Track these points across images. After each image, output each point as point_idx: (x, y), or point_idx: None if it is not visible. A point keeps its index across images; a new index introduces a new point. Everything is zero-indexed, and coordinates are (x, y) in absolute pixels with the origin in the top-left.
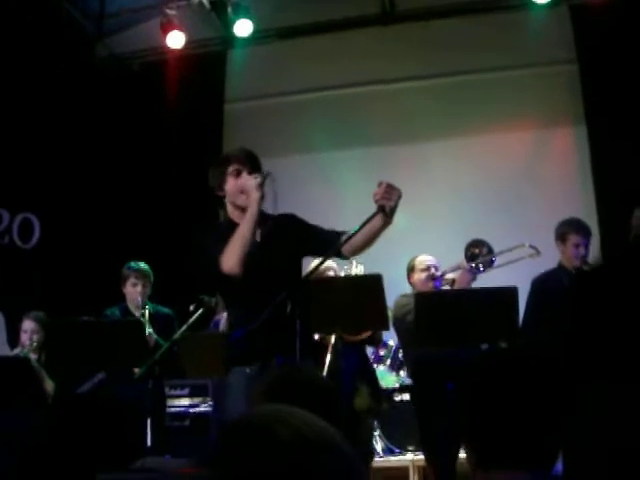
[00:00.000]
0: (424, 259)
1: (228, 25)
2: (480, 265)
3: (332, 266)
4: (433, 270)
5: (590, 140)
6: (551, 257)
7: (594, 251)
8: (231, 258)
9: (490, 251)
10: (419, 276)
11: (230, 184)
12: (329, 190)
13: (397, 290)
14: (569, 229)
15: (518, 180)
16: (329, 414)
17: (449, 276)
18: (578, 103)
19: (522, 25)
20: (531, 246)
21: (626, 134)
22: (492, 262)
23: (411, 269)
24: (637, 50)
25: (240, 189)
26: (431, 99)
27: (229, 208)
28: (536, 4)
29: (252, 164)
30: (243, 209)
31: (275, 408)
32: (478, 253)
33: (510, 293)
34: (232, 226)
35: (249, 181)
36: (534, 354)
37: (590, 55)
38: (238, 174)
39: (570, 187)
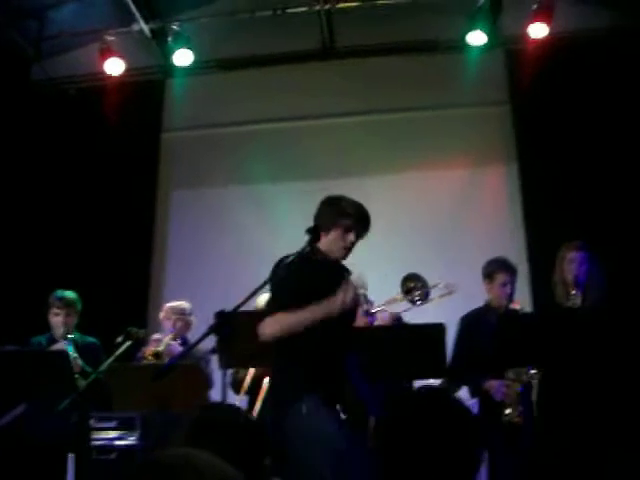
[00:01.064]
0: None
1: (168, 54)
2: (416, 299)
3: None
4: (366, 306)
5: (521, 178)
6: (484, 293)
7: (522, 289)
8: (276, 330)
9: (425, 285)
10: None
11: (337, 234)
12: (266, 223)
13: None
14: (496, 268)
15: (453, 216)
16: (251, 453)
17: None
18: (510, 142)
19: (459, 66)
20: (446, 285)
21: (555, 173)
22: (427, 295)
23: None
24: (565, 92)
25: (345, 247)
26: (369, 135)
27: (325, 241)
28: (472, 47)
29: (363, 229)
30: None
31: (184, 451)
32: (413, 287)
33: (438, 330)
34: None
35: (351, 290)
36: (448, 399)
37: (522, 97)
38: (347, 231)
39: (501, 223)
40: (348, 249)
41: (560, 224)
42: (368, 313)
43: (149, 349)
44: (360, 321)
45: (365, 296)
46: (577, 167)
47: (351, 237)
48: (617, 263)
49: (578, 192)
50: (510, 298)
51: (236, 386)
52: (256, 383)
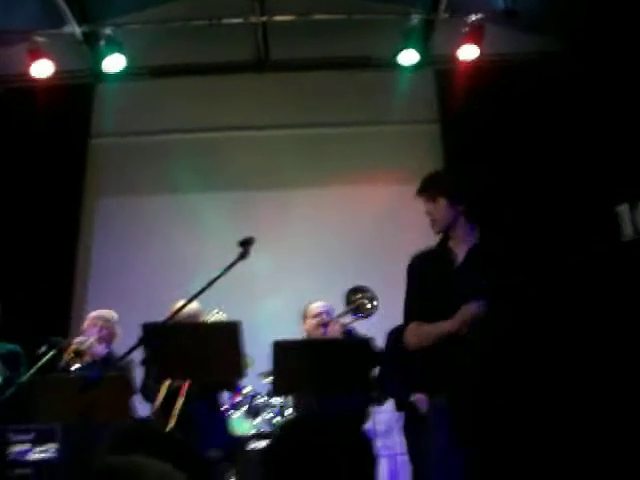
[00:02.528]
0: (316, 305)
1: (99, 58)
2: (360, 312)
3: (197, 312)
4: (324, 316)
5: None
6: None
7: None
8: (416, 342)
9: (373, 297)
10: (310, 322)
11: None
12: (192, 232)
13: (260, 334)
14: None
15: (379, 232)
16: (178, 465)
17: (341, 322)
18: (438, 160)
19: (391, 83)
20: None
21: (481, 191)
22: (374, 308)
23: (304, 316)
24: (493, 114)
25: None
26: (299, 148)
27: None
28: (404, 65)
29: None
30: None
31: (132, 459)
32: (360, 298)
33: (365, 344)
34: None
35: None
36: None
37: (451, 116)
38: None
39: (429, 241)
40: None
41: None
42: (324, 324)
43: (71, 346)
44: (316, 332)
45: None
46: (503, 187)
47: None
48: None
49: (502, 210)
50: None
51: (146, 392)
52: (170, 397)
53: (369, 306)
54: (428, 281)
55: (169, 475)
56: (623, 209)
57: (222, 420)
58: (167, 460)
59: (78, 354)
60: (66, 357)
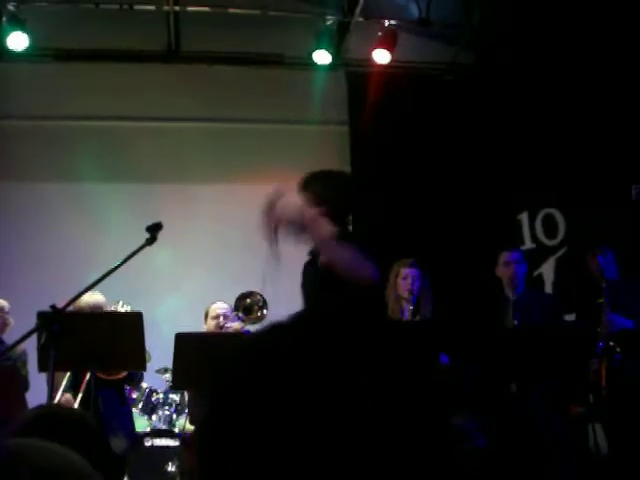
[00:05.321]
0: (216, 307)
1: (1, 36)
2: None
3: (101, 303)
4: (222, 319)
5: None
6: None
7: None
8: None
9: (263, 304)
10: (210, 323)
11: None
12: (93, 223)
13: (159, 330)
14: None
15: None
16: (89, 450)
17: (234, 325)
18: (346, 162)
19: (303, 83)
20: None
21: (386, 197)
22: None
23: (205, 315)
24: (402, 120)
25: None
26: (207, 142)
27: None
28: (317, 65)
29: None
30: None
31: (20, 442)
32: (249, 304)
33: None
34: None
35: None
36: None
37: (360, 119)
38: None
39: None
40: None
41: (387, 244)
42: (221, 327)
43: None
44: None
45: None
46: (406, 192)
47: None
48: (440, 281)
49: (405, 215)
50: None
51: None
52: (74, 386)
53: (259, 313)
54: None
55: (62, 456)
56: (523, 218)
57: (129, 413)
58: (76, 449)
59: None
60: None
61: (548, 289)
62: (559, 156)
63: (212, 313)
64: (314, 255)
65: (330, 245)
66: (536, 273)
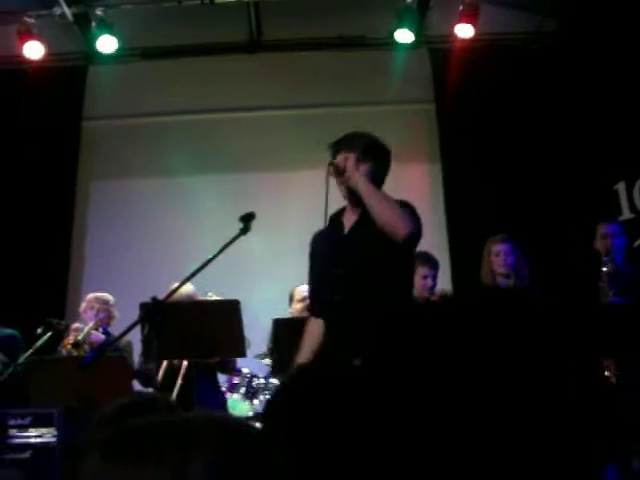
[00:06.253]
0: (302, 289)
1: (91, 40)
2: None
3: (192, 293)
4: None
5: (444, 177)
6: None
7: (444, 284)
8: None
9: None
10: (296, 306)
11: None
12: (186, 215)
13: (256, 317)
14: (416, 261)
15: None
16: None
17: None
18: (434, 141)
19: (385, 63)
20: None
21: (477, 172)
22: None
23: (290, 298)
24: (488, 93)
25: None
26: (293, 129)
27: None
28: (399, 44)
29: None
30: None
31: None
32: None
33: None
34: None
35: None
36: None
37: (446, 96)
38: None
39: (424, 221)
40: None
41: (481, 220)
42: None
43: (68, 338)
44: (301, 316)
45: None
46: (497, 166)
47: None
48: (536, 256)
49: (497, 190)
50: (431, 291)
51: (143, 377)
52: (169, 377)
53: None
54: (315, 255)
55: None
56: (620, 188)
57: (223, 402)
58: None
59: (76, 345)
60: (64, 350)
61: None
62: None
63: (298, 296)
64: (333, 220)
65: (372, 190)
66: (637, 244)
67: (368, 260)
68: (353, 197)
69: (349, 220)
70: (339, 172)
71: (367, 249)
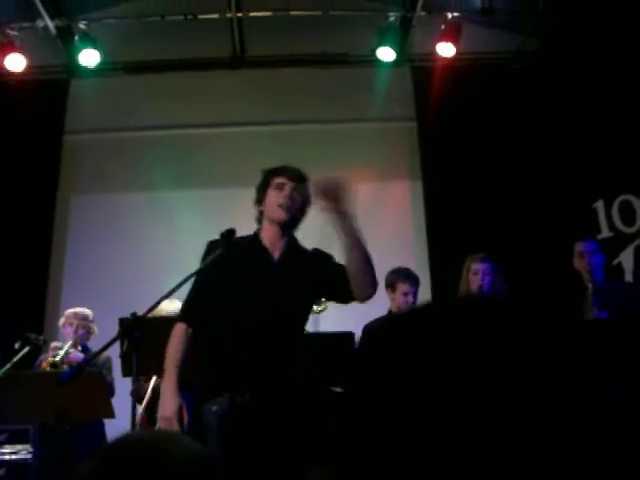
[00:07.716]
0: None
1: (74, 53)
2: None
3: (178, 309)
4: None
5: (425, 194)
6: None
7: (425, 298)
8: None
9: None
10: None
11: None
12: (168, 230)
13: None
14: (397, 278)
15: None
16: None
17: None
18: (415, 158)
19: (367, 80)
20: None
21: (458, 190)
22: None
23: None
24: (470, 112)
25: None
26: (275, 145)
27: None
28: (381, 62)
29: (299, 181)
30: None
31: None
32: None
33: (347, 338)
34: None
35: None
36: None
37: (427, 114)
38: (281, 188)
39: (405, 238)
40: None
41: (461, 237)
42: None
43: (46, 360)
44: None
45: None
46: (478, 184)
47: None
48: (515, 274)
49: (478, 207)
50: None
51: (136, 397)
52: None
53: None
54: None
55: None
56: (598, 206)
57: None
58: None
59: (54, 366)
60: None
61: (628, 278)
62: (632, 140)
63: None
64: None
65: (364, 242)
66: (615, 262)
67: (295, 296)
68: (292, 223)
69: (274, 245)
70: (334, 199)
71: (298, 284)
